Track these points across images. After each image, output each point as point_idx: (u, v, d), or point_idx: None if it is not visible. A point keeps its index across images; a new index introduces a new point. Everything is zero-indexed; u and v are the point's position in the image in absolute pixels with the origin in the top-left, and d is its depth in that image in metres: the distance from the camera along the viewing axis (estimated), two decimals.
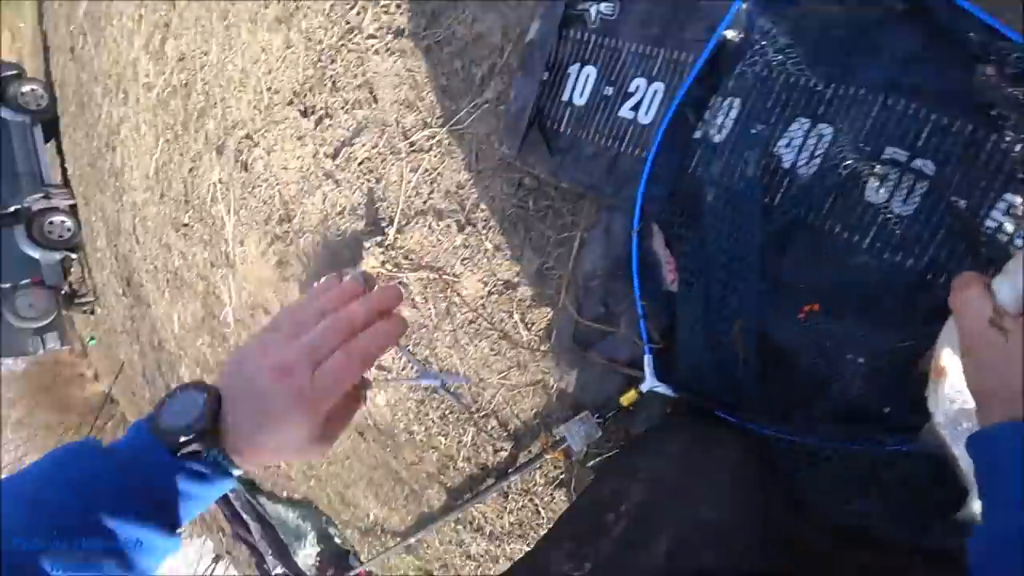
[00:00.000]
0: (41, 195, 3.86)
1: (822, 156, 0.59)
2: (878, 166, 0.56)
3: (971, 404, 0.39)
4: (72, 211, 4.11)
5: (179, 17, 2.05)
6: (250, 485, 2.66)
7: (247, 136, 1.70)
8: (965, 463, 0.41)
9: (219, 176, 1.94)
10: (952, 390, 0.42)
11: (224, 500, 2.85)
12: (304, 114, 1.39)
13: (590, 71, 0.75)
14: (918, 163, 0.54)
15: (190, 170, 2.18)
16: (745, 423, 0.61)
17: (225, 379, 0.36)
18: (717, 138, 0.64)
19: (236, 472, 0.35)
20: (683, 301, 0.66)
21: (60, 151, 4.27)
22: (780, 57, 0.60)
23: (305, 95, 1.39)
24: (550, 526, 0.98)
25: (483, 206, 0.91)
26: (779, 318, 0.60)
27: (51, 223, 4.00)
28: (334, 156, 1.26)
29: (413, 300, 1.13)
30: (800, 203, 0.59)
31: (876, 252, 0.56)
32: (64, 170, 4.25)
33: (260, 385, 0.33)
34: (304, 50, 1.37)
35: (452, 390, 1.06)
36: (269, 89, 1.56)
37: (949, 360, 0.42)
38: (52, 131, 4.14)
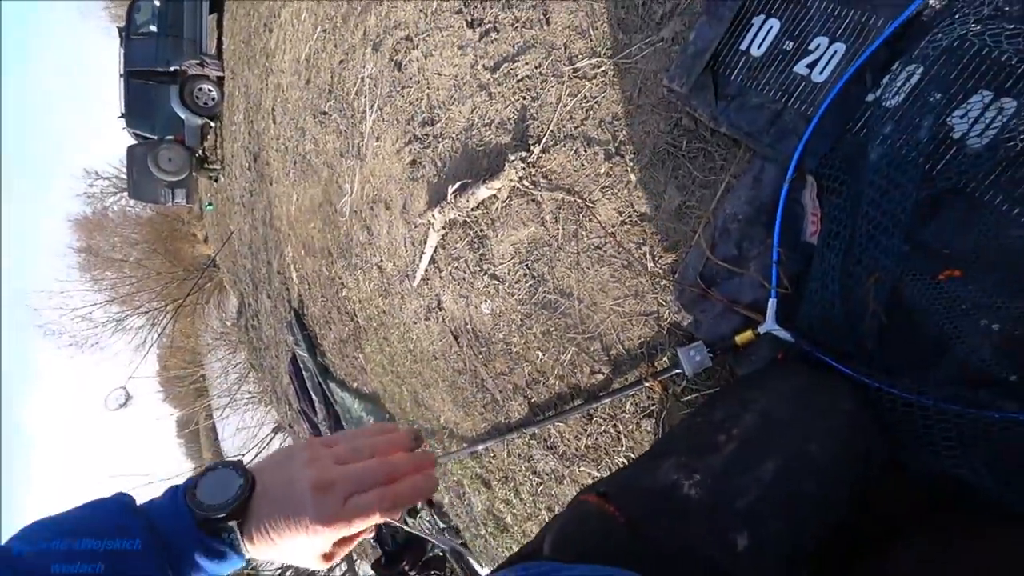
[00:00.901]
0: (197, 62, 4.69)
1: (998, 128, 0.69)
2: None
3: None
4: (219, 82, 4.95)
5: None
6: (323, 370, 3.22)
7: (407, 37, 2.00)
8: None
9: (370, 71, 2.29)
10: None
11: (297, 377, 3.47)
12: (471, 25, 1.64)
13: (774, 24, 0.89)
14: None
15: (340, 61, 2.57)
16: (859, 376, 0.72)
17: (266, 472, 0.42)
18: (891, 102, 0.76)
19: (246, 556, 0.41)
20: (824, 251, 0.79)
21: (220, 24, 5.05)
22: (979, 27, 0.70)
23: (475, 6, 1.63)
24: (630, 455, 1.19)
25: (635, 140, 1.11)
26: (916, 278, 0.71)
27: (200, 89, 4.87)
28: (493, 70, 1.51)
29: (543, 219, 1.38)
30: (963, 173, 0.70)
31: None
32: (220, 42, 5.06)
33: (298, 490, 0.40)
34: None
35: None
36: None
37: None
38: (217, 4, 4.91)
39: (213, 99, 4.98)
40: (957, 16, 0.71)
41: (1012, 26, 0.69)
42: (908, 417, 0.70)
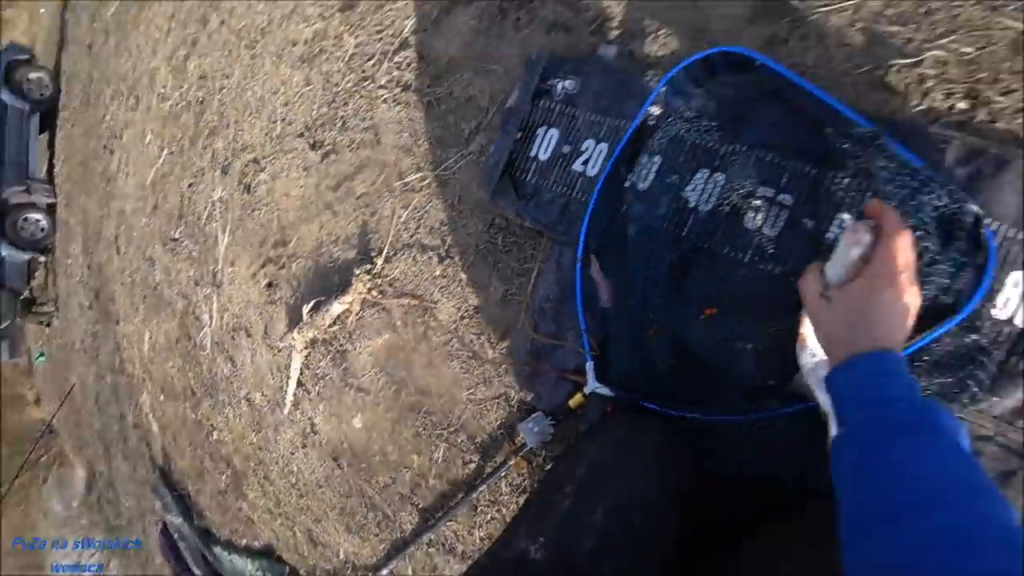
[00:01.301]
0: (22, 188, 4.27)
1: (716, 196, 0.91)
2: (754, 201, 0.88)
3: (823, 357, 0.67)
4: (50, 210, 4.52)
5: (208, 38, 2.57)
6: (204, 534, 2.87)
7: (255, 160, 2.13)
8: (824, 402, 0.68)
9: (220, 195, 2.36)
10: (810, 351, 0.72)
11: (172, 550, 3.05)
12: (313, 147, 1.80)
13: (554, 132, 1.11)
14: (781, 197, 0.87)
15: (190, 185, 2.62)
16: (668, 411, 0.89)
17: None
18: (642, 186, 0.98)
19: None
20: (614, 316, 0.97)
21: (52, 145, 4.76)
22: (688, 126, 0.94)
23: (316, 130, 1.80)
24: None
25: (460, 241, 1.26)
26: (686, 322, 0.88)
27: (26, 219, 4.39)
28: (335, 189, 1.65)
29: (394, 326, 1.46)
30: (700, 232, 0.91)
31: (754, 264, 0.86)
32: (52, 166, 4.76)
33: None
34: (321, 90, 1.80)
35: None
36: (283, 120, 1.99)
37: (807, 329, 0.72)
38: (48, 123, 4.61)
39: (43, 230, 4.53)
40: (671, 119, 0.95)
41: (708, 122, 0.93)
42: (711, 434, 0.86)
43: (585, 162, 1.06)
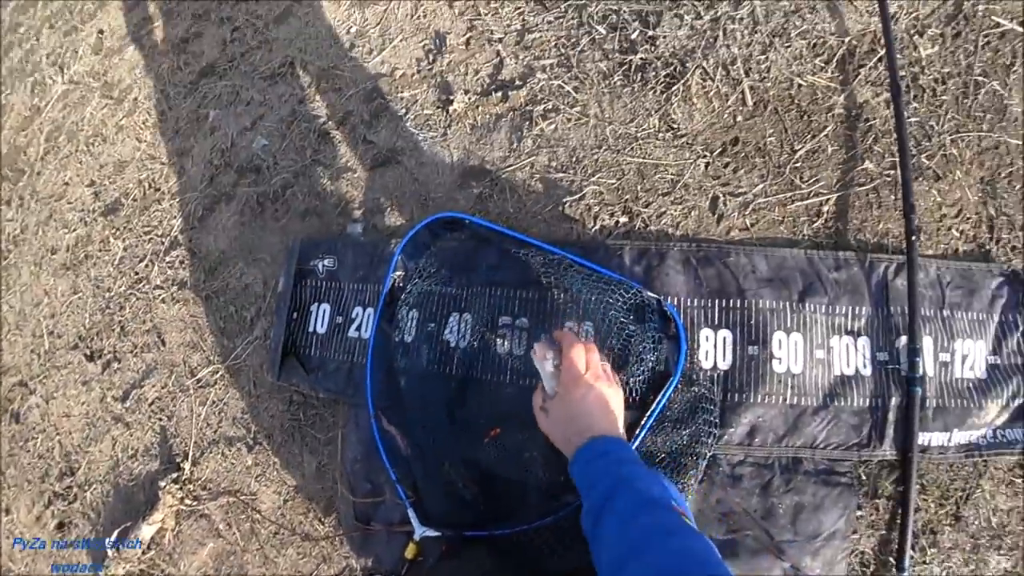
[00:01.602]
0: None
1: (469, 333, 1.07)
2: (499, 330, 1.05)
3: None
4: None
5: None
6: None
7: (21, 383, 1.89)
8: None
9: None
10: None
11: None
12: (90, 358, 1.67)
13: (325, 307, 1.22)
14: (519, 321, 1.05)
15: None
16: (491, 532, 0.96)
17: None
18: (408, 339, 1.11)
19: None
20: (412, 460, 1.05)
21: None
22: (431, 280, 1.11)
23: (92, 339, 1.69)
24: None
25: (265, 426, 1.27)
26: (477, 447, 1.01)
27: None
28: (123, 399, 1.54)
29: (218, 530, 1.36)
30: (464, 366, 1.06)
31: (515, 382, 1.02)
32: None
33: None
34: (92, 297, 1.72)
35: None
36: (52, 333, 1.83)
37: None
38: None
39: None
40: (414, 280, 1.11)
41: (446, 273, 1.11)
42: (536, 538, 0.94)
43: (358, 328, 1.18)
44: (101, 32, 2.22)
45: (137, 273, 1.62)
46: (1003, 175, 1.00)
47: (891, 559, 0.88)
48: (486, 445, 1.01)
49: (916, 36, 1.08)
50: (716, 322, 0.96)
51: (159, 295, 1.54)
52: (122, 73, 2.01)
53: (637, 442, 0.90)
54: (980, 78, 1.04)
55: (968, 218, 0.98)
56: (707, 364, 0.95)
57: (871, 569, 0.90)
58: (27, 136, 2.27)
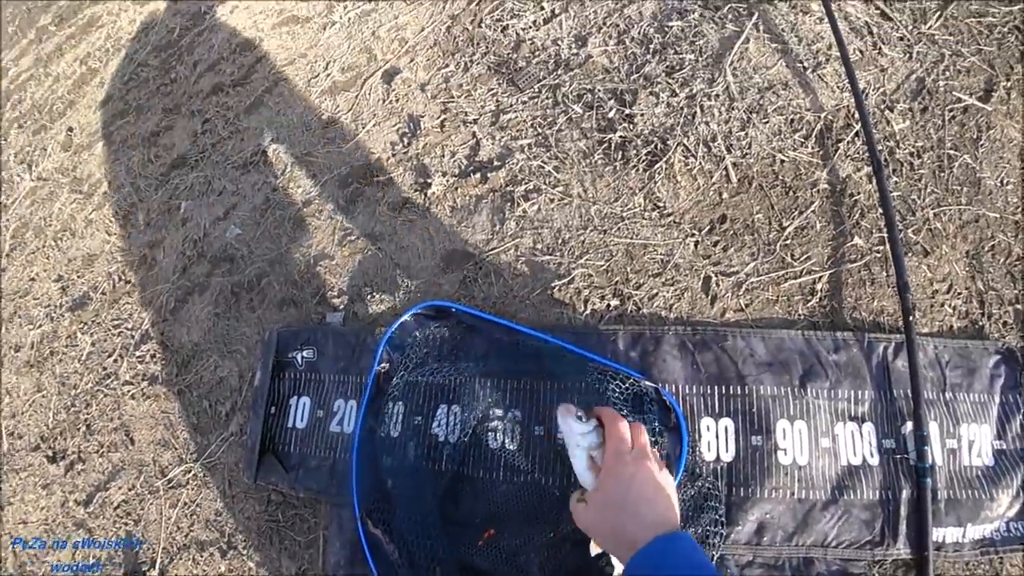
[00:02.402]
0: None
1: (459, 426, 1.03)
2: (490, 423, 1.01)
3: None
4: None
5: None
6: None
7: None
8: None
9: None
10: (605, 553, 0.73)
11: None
12: (52, 459, 1.57)
13: (305, 400, 1.17)
14: (511, 414, 1.01)
15: None
16: None
17: None
18: (394, 433, 1.06)
19: None
20: (400, 566, 0.98)
21: None
22: (417, 372, 1.07)
23: (55, 439, 1.59)
24: None
25: (241, 527, 1.19)
26: (469, 550, 0.94)
27: None
28: (87, 503, 1.44)
29: None
30: (455, 462, 1.01)
31: (509, 479, 0.97)
32: None
33: None
34: (57, 395, 1.63)
35: None
36: (11, 434, 1.71)
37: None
38: None
39: None
40: (400, 371, 1.07)
41: (432, 364, 1.07)
42: None
43: (340, 421, 1.13)
44: (71, 130, 2.22)
45: (105, 368, 1.55)
46: (986, 248, 1.03)
47: None
48: (481, 549, 0.96)
49: (887, 111, 1.14)
50: (717, 411, 0.94)
51: (128, 391, 1.46)
52: (92, 168, 1.99)
53: None
54: (952, 151, 1.09)
55: (959, 293, 1.00)
56: (710, 456, 0.92)
57: None
58: None
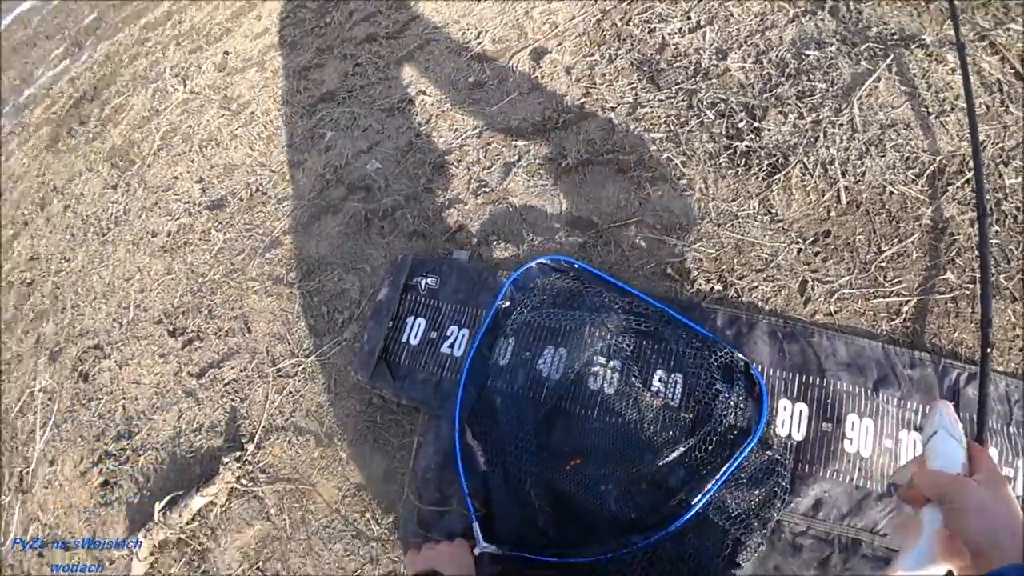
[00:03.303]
0: None
1: (563, 367, 1.13)
2: (593, 368, 1.10)
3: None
4: None
5: (46, 220, 2.41)
6: None
7: (96, 347, 1.97)
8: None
9: (43, 383, 2.08)
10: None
11: None
12: (172, 334, 1.76)
13: (421, 322, 1.29)
14: (612, 363, 1.10)
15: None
16: (554, 559, 0.97)
17: None
18: (503, 362, 1.17)
19: None
20: (492, 476, 1.09)
21: None
22: (533, 313, 1.18)
23: (177, 317, 1.78)
24: None
25: (339, 422, 1.32)
26: (557, 474, 1.03)
27: None
28: (199, 376, 1.61)
29: (268, 514, 1.40)
30: (554, 397, 1.10)
31: (602, 418, 1.06)
32: None
33: None
34: (185, 279, 1.82)
35: None
36: (138, 306, 1.92)
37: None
38: None
39: None
40: (518, 309, 1.18)
41: (548, 309, 1.18)
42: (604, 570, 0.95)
43: (451, 345, 1.24)
44: (227, 53, 2.44)
45: (233, 264, 1.73)
46: None
47: None
48: (566, 473, 1.06)
49: (1002, 165, 1.18)
50: (795, 395, 1.02)
51: (252, 286, 1.63)
52: (242, 90, 2.19)
53: (709, 496, 0.95)
54: None
55: None
56: (783, 432, 1.00)
57: None
58: (143, 133, 2.46)
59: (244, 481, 1.43)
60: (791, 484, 0.97)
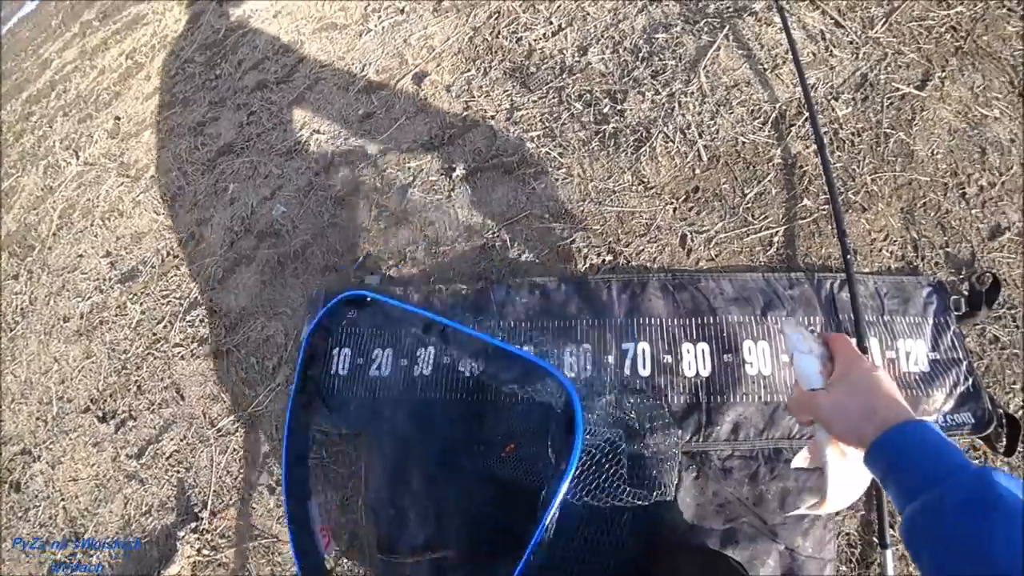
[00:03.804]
0: None
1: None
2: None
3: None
4: None
5: None
6: None
7: (23, 451, 1.86)
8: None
9: None
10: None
11: None
12: (103, 419, 1.69)
13: (346, 351, 1.31)
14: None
15: None
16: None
17: None
18: (427, 371, 1.20)
19: None
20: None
21: None
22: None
23: (105, 401, 1.71)
24: None
25: None
26: (499, 464, 1.05)
27: None
28: (139, 456, 1.56)
29: None
30: (474, 391, 1.14)
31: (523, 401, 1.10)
32: None
33: None
34: (107, 360, 1.75)
35: None
36: (61, 398, 1.83)
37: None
38: None
39: None
40: (340, 329, 1.21)
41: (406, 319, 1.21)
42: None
43: (379, 367, 1.27)
44: (118, 119, 2.38)
45: (155, 334, 1.68)
46: (919, 205, 1.21)
47: (874, 538, 0.99)
48: (503, 459, 1.09)
49: (833, 100, 1.33)
50: (694, 337, 1.10)
51: (178, 352, 1.59)
52: (139, 154, 2.15)
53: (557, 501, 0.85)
54: (888, 130, 1.28)
55: (895, 241, 1.18)
56: (690, 373, 1.08)
57: (858, 550, 1.00)
58: (38, 214, 2.35)
59: (205, 551, 1.39)
60: (708, 416, 1.05)
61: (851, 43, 1.44)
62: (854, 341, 1.04)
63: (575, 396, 0.90)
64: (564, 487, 0.83)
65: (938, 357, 1.07)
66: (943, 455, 0.52)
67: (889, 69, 1.38)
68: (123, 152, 2.20)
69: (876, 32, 1.44)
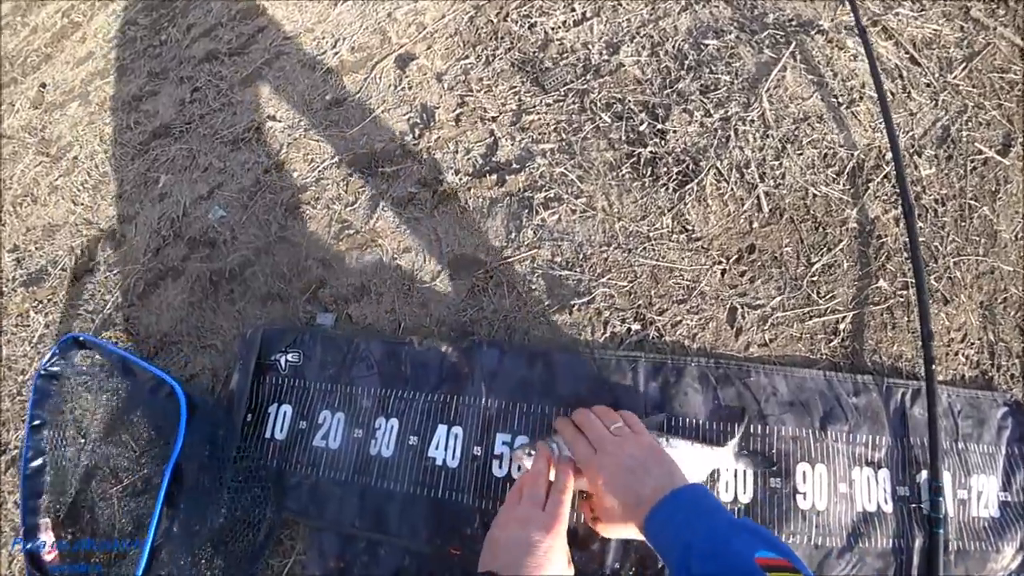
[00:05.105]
0: None
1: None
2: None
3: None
4: None
5: None
6: None
7: None
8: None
9: None
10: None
11: None
12: None
13: (287, 409, 1.03)
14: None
15: None
16: None
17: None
18: (387, 452, 0.93)
19: None
20: None
21: None
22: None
23: None
24: None
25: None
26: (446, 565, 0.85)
27: None
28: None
29: None
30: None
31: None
32: None
33: None
34: (1, 379, 1.44)
35: None
36: None
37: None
38: None
39: None
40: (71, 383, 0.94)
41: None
42: None
43: (325, 436, 1.00)
44: (43, 85, 2.01)
45: None
46: (999, 300, 0.98)
47: None
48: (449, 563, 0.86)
49: (915, 156, 1.08)
50: (737, 451, 0.86)
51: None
52: (62, 129, 1.80)
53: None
54: (972, 202, 1.04)
55: (972, 343, 0.95)
56: (727, 497, 0.84)
57: None
58: None
59: None
60: None
61: (928, 86, 1.18)
62: (925, 474, 0.84)
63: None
64: None
65: (1009, 499, 0.86)
66: None
67: (970, 125, 1.13)
68: (45, 126, 1.84)
69: (955, 78, 1.19)
